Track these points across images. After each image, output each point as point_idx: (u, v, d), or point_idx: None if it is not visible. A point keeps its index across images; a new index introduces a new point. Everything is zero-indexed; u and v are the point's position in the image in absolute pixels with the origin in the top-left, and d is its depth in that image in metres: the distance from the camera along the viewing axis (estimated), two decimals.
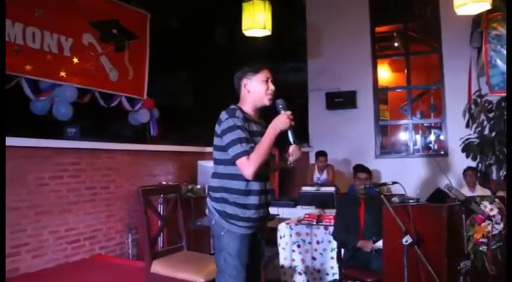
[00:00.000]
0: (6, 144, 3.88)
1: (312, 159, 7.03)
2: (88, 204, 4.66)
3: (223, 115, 2.18)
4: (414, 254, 2.49)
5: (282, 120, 2.17)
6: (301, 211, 5.00)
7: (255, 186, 2.18)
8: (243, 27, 5.32)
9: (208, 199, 2.27)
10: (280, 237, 4.35)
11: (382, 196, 2.70)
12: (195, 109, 7.32)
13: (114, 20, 5.35)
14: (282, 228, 4.35)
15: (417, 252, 2.42)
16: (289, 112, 2.20)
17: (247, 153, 2.09)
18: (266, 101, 2.28)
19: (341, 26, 7.34)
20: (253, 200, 2.18)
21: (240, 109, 2.23)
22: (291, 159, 2.39)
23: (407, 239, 2.43)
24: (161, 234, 4.34)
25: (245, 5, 5.25)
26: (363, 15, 7.30)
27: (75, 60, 4.85)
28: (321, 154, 6.58)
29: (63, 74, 4.69)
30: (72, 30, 4.83)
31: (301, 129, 8.18)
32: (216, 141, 2.21)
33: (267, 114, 2.36)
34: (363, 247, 3.53)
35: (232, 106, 2.25)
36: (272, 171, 2.64)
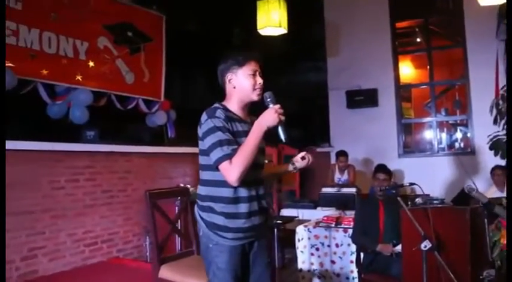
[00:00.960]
0: (21, 148, 3.93)
1: (333, 160, 6.90)
2: (104, 208, 4.65)
3: (204, 116, 1.98)
4: (435, 260, 2.35)
5: (269, 116, 1.90)
6: (321, 213, 4.89)
7: (244, 192, 1.98)
8: (258, 26, 5.23)
9: (196, 208, 2.09)
10: (298, 240, 4.24)
11: (398, 198, 2.55)
12: None
13: (128, 22, 5.33)
14: (300, 231, 4.24)
15: (437, 258, 2.27)
16: (277, 106, 1.93)
17: (228, 157, 1.87)
18: (254, 97, 2.04)
19: (360, 23, 7.18)
20: (243, 208, 1.98)
21: (224, 107, 2.03)
22: (297, 164, 2.22)
23: (426, 244, 2.28)
24: (178, 238, 4.32)
25: (260, 3, 5.17)
26: (382, 11, 7.12)
27: (91, 63, 4.85)
28: (342, 154, 6.44)
29: (79, 77, 4.70)
30: (87, 34, 4.83)
31: (322, 129, 8.05)
32: (200, 145, 2.02)
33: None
34: (382, 251, 3.39)
35: (215, 105, 2.04)
36: (272, 177, 2.39)
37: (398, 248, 3.29)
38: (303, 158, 2.22)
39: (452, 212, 2.58)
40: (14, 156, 3.88)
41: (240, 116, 2.07)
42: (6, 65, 4.00)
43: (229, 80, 2.07)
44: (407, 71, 8.34)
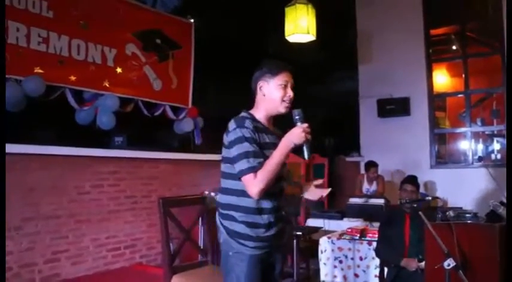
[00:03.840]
0: (48, 152, 4.01)
1: (363, 169, 6.73)
2: (128, 213, 4.69)
3: (232, 124, 2.00)
4: (460, 279, 2.20)
5: (297, 134, 1.93)
6: (347, 224, 4.77)
7: (267, 204, 1.99)
8: (286, 33, 5.17)
9: (217, 215, 2.10)
10: (322, 252, 4.13)
11: (420, 213, 2.42)
12: None
13: (157, 30, 5.39)
14: (323, 243, 4.13)
15: (462, 278, 2.12)
16: (305, 125, 1.95)
17: (254, 169, 1.89)
18: (282, 109, 2.06)
19: (393, 31, 6.99)
20: (265, 219, 1.99)
21: (252, 117, 2.05)
22: (306, 193, 2.19)
23: (449, 263, 2.14)
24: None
25: (287, 10, 5.11)
26: (417, 18, 6.90)
27: (119, 70, 4.92)
28: (373, 165, 6.28)
29: (106, 84, 4.76)
30: (115, 41, 4.90)
31: (352, 138, 7.88)
32: (224, 152, 2.04)
33: (283, 122, 2.16)
34: (406, 266, 3.24)
35: (243, 113, 2.07)
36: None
37: (424, 263, 3.14)
38: (316, 186, 2.20)
39: (479, 228, 2.41)
40: (41, 161, 3.98)
41: (266, 125, 2.08)
42: (36, 71, 4.11)
43: (260, 88, 2.09)
44: (443, 79, 8.06)
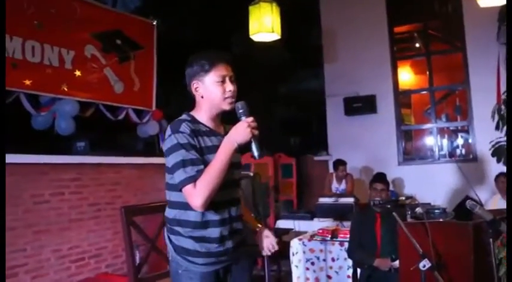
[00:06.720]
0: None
1: (331, 168, 6.72)
2: (92, 221, 4.47)
3: (168, 131, 1.79)
4: (435, 279, 2.16)
5: (241, 131, 1.70)
6: (318, 224, 4.74)
7: (214, 216, 1.77)
8: (250, 32, 5.07)
9: (165, 230, 1.90)
10: (293, 254, 4.07)
11: (394, 214, 2.37)
12: None
13: (117, 30, 5.17)
14: (295, 245, 4.07)
15: (438, 278, 2.08)
16: (250, 119, 1.73)
17: (192, 179, 1.67)
18: (225, 106, 1.82)
19: (358, 29, 7.04)
20: (214, 232, 1.78)
21: (192, 119, 1.83)
22: (261, 237, 2.01)
23: (425, 264, 2.09)
24: None
25: (251, 9, 5.01)
26: (380, 16, 6.97)
27: (77, 73, 4.68)
28: (341, 163, 6.27)
29: (64, 87, 4.52)
30: (73, 42, 4.66)
31: (319, 137, 7.89)
32: (166, 161, 1.80)
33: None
34: (380, 266, 3.21)
35: (182, 116, 1.85)
36: None
37: (397, 263, 3.11)
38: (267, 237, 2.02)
39: (453, 227, 2.38)
40: None
41: (211, 127, 1.85)
42: None
43: (196, 89, 1.86)
44: (407, 76, 8.18)
